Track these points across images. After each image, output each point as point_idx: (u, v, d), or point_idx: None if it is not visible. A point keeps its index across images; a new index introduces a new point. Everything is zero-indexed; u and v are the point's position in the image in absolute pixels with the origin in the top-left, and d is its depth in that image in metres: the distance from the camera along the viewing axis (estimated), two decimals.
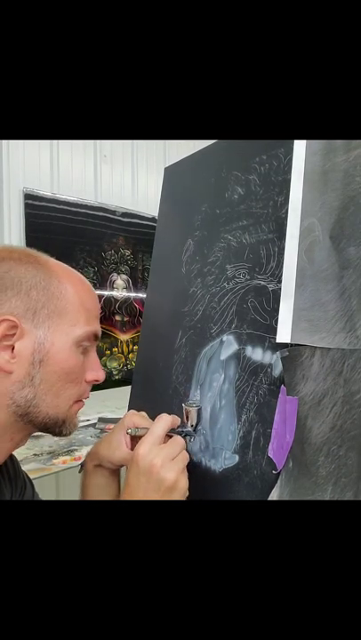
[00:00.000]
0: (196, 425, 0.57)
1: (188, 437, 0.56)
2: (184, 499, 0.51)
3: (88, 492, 0.63)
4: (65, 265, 0.53)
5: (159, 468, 0.50)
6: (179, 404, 0.71)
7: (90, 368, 0.53)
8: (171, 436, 0.54)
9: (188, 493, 0.51)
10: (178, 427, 0.55)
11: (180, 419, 0.56)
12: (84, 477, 0.64)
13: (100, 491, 0.63)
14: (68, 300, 0.50)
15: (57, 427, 0.51)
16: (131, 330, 2.28)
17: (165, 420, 0.54)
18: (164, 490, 0.50)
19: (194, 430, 0.57)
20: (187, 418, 0.57)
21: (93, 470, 0.63)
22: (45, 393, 0.49)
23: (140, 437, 0.54)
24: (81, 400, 0.53)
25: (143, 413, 0.61)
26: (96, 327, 0.53)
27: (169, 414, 0.55)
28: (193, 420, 0.57)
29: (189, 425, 0.57)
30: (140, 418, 0.60)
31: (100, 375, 0.54)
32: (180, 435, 0.55)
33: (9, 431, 0.49)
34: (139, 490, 0.51)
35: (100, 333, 0.54)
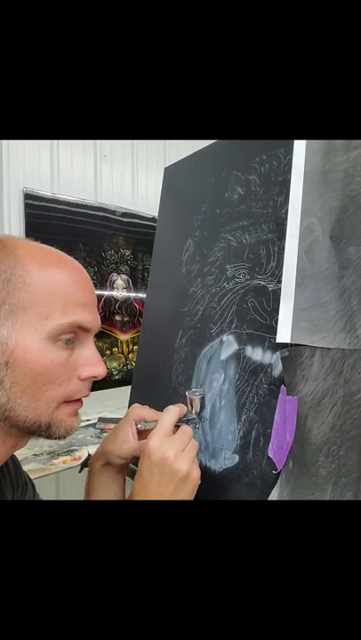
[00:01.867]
0: (200, 412, 0.59)
1: (193, 425, 0.58)
2: (197, 487, 0.52)
3: (94, 492, 0.63)
4: (42, 248, 0.47)
5: (172, 460, 0.50)
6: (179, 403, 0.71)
7: (85, 364, 0.47)
8: (178, 426, 0.55)
9: (200, 481, 0.53)
10: (183, 416, 0.56)
11: (185, 408, 0.57)
12: (90, 478, 0.64)
13: (107, 490, 0.63)
14: (35, 291, 0.43)
15: (42, 431, 0.46)
16: (131, 330, 2.28)
17: (173, 412, 0.54)
18: (177, 481, 0.50)
19: (198, 417, 0.59)
20: (191, 406, 0.58)
21: (100, 470, 0.63)
22: (20, 396, 0.44)
23: (149, 430, 0.55)
24: (75, 400, 0.48)
25: (147, 407, 0.62)
26: (79, 317, 0.45)
27: (175, 405, 0.56)
28: (197, 407, 0.59)
29: (193, 413, 0.58)
30: (145, 410, 0.60)
31: (97, 371, 0.48)
32: (187, 423, 0.56)
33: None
34: (152, 483, 0.51)
35: (89, 323, 0.47)
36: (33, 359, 0.43)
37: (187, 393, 0.59)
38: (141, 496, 0.52)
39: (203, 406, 0.59)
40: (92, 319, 0.47)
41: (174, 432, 0.54)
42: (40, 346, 0.44)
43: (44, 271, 0.44)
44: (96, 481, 0.63)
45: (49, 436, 0.47)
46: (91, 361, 0.48)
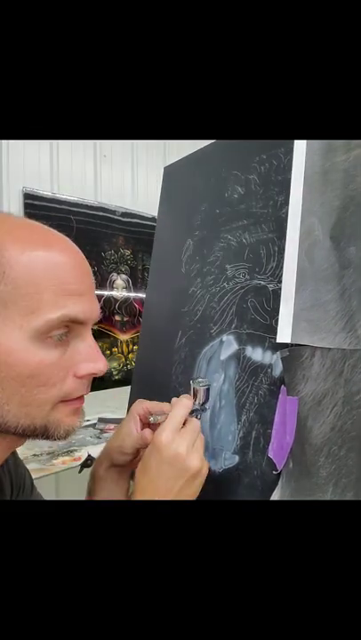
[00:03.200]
0: (205, 402, 0.58)
1: (197, 414, 0.56)
2: (203, 482, 0.52)
3: (95, 496, 0.61)
4: (25, 226, 0.40)
5: (185, 457, 0.49)
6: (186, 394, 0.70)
7: (82, 360, 0.42)
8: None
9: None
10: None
11: (192, 399, 0.56)
12: (93, 482, 0.62)
13: (109, 495, 0.61)
14: (16, 282, 0.37)
15: (39, 434, 0.42)
16: (131, 330, 2.28)
17: (185, 406, 0.53)
18: (188, 477, 0.50)
19: (202, 409, 0.58)
20: (195, 396, 0.57)
21: (103, 475, 0.61)
22: (7, 403, 0.39)
23: (156, 424, 0.54)
24: (74, 398, 0.43)
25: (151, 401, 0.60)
26: (72, 309, 0.39)
27: (184, 397, 0.55)
28: (201, 398, 0.57)
29: (197, 404, 0.57)
30: (150, 403, 0.59)
31: (97, 367, 0.42)
32: (190, 414, 0.54)
33: None
34: (160, 478, 0.50)
35: (85, 314, 0.41)
36: (18, 362, 0.38)
37: (191, 383, 0.57)
38: (148, 491, 0.51)
39: (207, 397, 0.58)
40: (88, 309, 0.41)
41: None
42: (25, 346, 0.38)
43: (27, 256, 0.37)
44: (99, 485, 0.62)
45: (47, 438, 0.42)
46: (89, 356, 0.42)
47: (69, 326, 0.40)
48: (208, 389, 0.58)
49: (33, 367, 0.38)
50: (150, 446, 0.51)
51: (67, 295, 0.39)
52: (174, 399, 0.55)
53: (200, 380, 0.59)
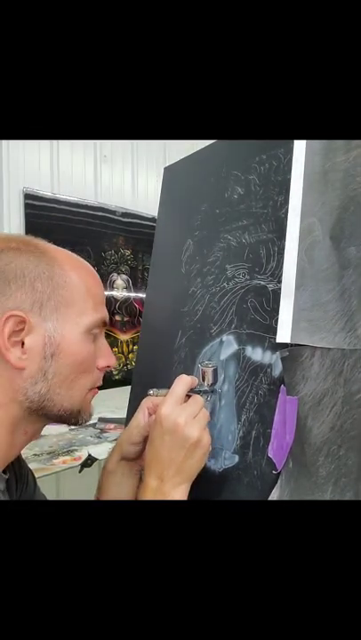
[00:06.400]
0: (213, 384, 0.59)
1: (205, 396, 0.58)
2: (207, 454, 0.53)
3: (106, 491, 0.63)
4: (66, 251, 0.52)
5: (183, 426, 0.51)
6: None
7: (100, 355, 0.53)
8: (190, 397, 0.55)
9: (210, 448, 0.53)
10: (195, 387, 0.56)
11: (197, 379, 0.57)
12: (104, 477, 0.64)
13: (119, 489, 0.62)
14: (74, 289, 0.49)
15: (72, 417, 0.51)
16: (131, 330, 2.28)
17: (185, 381, 0.54)
18: (188, 447, 0.51)
19: (210, 390, 0.59)
20: (203, 378, 0.58)
21: (114, 469, 0.63)
22: (59, 386, 0.48)
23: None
24: (94, 388, 0.53)
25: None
26: (104, 313, 0.52)
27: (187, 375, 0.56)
28: (209, 379, 0.59)
29: (206, 384, 0.58)
30: (159, 399, 0.60)
31: (111, 361, 0.54)
32: (199, 394, 0.56)
33: (23, 425, 0.49)
34: (163, 449, 0.51)
35: (108, 319, 0.53)
36: (75, 351, 0.49)
37: (199, 365, 0.59)
38: (154, 463, 0.52)
39: (215, 379, 0.59)
40: (107, 315, 0.54)
41: (185, 401, 0.54)
42: (80, 339, 0.49)
43: (77, 272, 0.50)
44: (108, 480, 0.63)
45: (76, 423, 0.52)
46: (105, 352, 0.53)
47: (99, 327, 0.52)
48: (215, 371, 0.59)
49: (84, 355, 0.50)
50: (153, 421, 0.54)
51: (100, 304, 0.52)
52: (178, 376, 0.56)
53: (207, 362, 0.60)
